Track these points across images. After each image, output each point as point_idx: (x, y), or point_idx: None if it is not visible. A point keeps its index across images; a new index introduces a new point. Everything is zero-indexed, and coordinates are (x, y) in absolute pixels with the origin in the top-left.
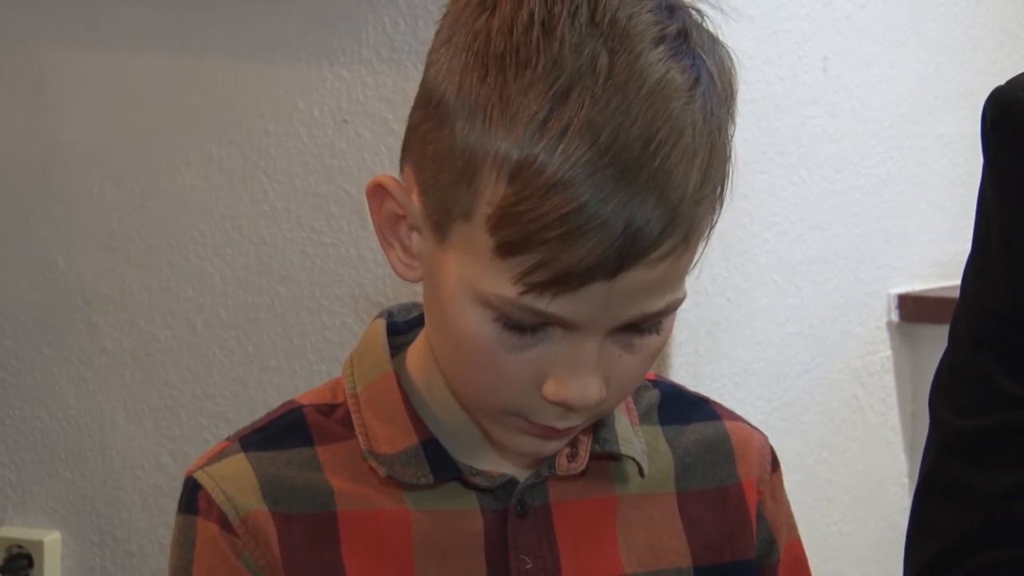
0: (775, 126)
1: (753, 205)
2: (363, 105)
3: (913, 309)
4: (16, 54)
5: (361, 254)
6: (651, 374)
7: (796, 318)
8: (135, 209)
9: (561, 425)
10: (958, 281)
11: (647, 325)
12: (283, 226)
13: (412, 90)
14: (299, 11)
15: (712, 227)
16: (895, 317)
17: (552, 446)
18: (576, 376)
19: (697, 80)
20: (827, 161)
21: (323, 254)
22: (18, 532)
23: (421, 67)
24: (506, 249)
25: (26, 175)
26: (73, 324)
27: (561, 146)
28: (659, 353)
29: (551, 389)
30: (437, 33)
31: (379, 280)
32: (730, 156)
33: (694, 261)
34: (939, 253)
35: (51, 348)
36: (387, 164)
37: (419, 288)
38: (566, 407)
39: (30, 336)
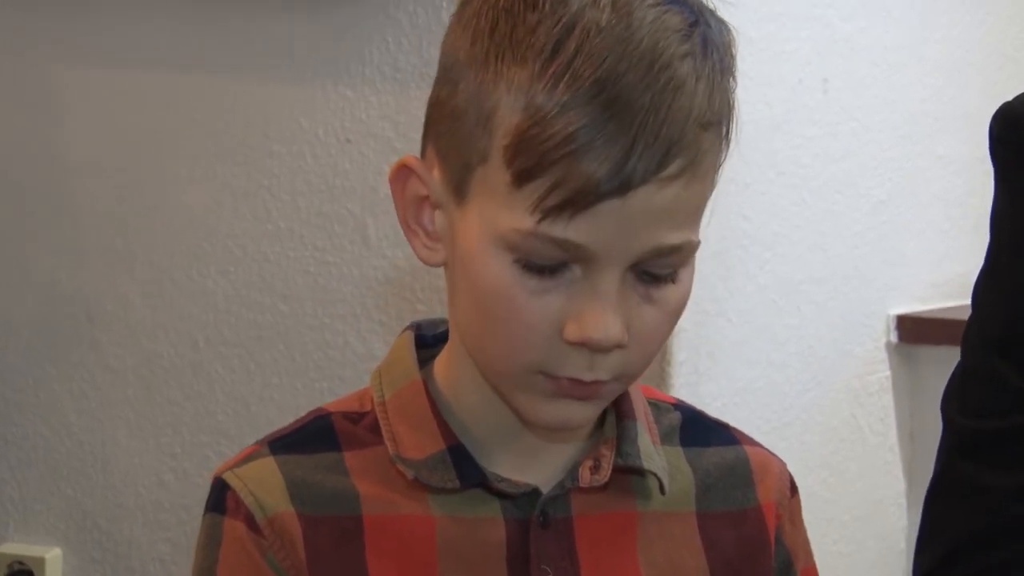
0: (776, 147)
1: (753, 225)
2: (366, 125)
3: (912, 330)
4: (21, 69)
5: (363, 273)
6: (672, 398)
7: (796, 338)
8: (138, 226)
9: (587, 377)
10: (957, 302)
11: (664, 271)
12: (286, 245)
13: (416, 110)
14: (303, 31)
15: (720, 166)
16: (894, 338)
17: (579, 411)
18: (597, 313)
19: (696, 23)
20: (827, 182)
21: (325, 273)
22: (20, 548)
23: (425, 87)
24: (522, 177)
25: (29, 191)
26: (76, 341)
27: (568, 72)
28: (679, 312)
29: (572, 330)
30: (451, 20)
31: (381, 299)
32: (735, 105)
33: (704, 200)
34: (938, 274)
35: (54, 365)
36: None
37: (420, 307)
38: (589, 346)
39: (33, 353)
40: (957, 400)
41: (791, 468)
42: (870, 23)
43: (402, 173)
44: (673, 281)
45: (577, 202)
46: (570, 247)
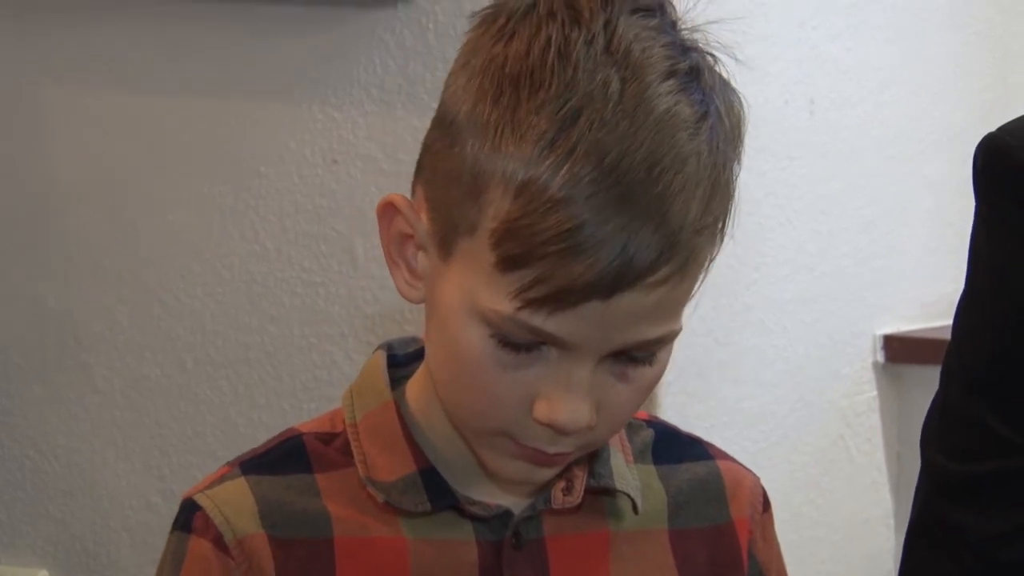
0: (763, 168)
1: (741, 246)
2: (353, 146)
3: (899, 350)
4: (9, 91)
5: (351, 293)
6: (645, 414)
7: (783, 358)
8: (126, 248)
9: (551, 450)
10: (944, 322)
11: (642, 355)
12: (273, 265)
13: (402, 131)
14: (291, 52)
15: (711, 260)
16: (881, 358)
17: (542, 474)
18: (568, 399)
19: (705, 115)
20: (814, 202)
21: (313, 293)
22: (7, 571)
23: (412, 108)
24: (507, 264)
25: (18, 212)
26: (64, 363)
27: (567, 165)
28: (652, 387)
29: (542, 410)
30: (456, 59)
31: (368, 319)
32: (734, 194)
33: (692, 293)
34: (925, 294)
35: (42, 387)
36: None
37: (409, 327)
38: (556, 430)
39: (21, 374)
40: (936, 441)
41: (779, 488)
42: (856, 44)
43: (388, 210)
44: (650, 364)
45: (560, 300)
46: (548, 336)
